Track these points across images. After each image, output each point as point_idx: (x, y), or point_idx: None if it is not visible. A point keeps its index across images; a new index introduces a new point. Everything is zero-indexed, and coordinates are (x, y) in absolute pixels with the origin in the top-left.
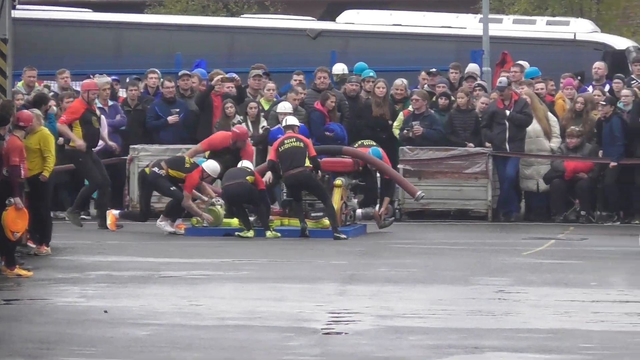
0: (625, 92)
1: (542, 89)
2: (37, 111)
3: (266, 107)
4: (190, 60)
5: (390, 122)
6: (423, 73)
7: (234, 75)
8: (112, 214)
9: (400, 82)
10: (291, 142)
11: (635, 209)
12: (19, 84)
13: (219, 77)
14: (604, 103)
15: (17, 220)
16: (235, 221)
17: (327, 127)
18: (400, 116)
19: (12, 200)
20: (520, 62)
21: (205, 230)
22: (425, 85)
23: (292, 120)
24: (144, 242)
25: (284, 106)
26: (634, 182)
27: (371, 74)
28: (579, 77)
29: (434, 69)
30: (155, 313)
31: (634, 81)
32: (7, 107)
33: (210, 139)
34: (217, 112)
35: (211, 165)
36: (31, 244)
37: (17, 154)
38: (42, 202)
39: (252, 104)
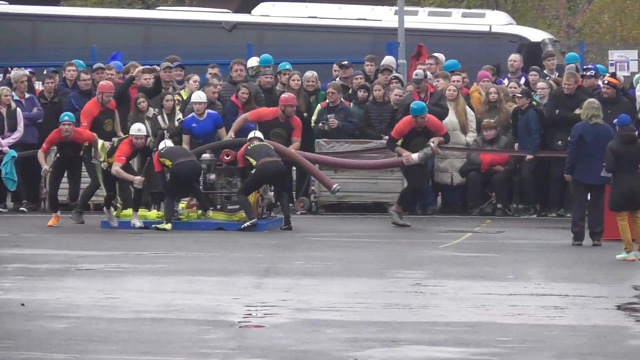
0: (541, 84)
1: (458, 81)
2: None
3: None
4: (107, 53)
5: (305, 114)
6: (335, 65)
7: (155, 66)
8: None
9: (311, 74)
10: (259, 142)
11: (552, 202)
12: None
13: (140, 68)
14: (520, 95)
15: None
16: (152, 214)
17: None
18: (319, 107)
19: None
20: (436, 54)
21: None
22: (338, 78)
23: (258, 134)
24: (60, 235)
25: (199, 95)
26: (550, 175)
27: (287, 66)
28: (494, 70)
29: (345, 62)
30: (73, 306)
31: (547, 77)
32: None
33: (258, 110)
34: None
35: (135, 126)
36: None
37: None
38: None
39: (168, 97)
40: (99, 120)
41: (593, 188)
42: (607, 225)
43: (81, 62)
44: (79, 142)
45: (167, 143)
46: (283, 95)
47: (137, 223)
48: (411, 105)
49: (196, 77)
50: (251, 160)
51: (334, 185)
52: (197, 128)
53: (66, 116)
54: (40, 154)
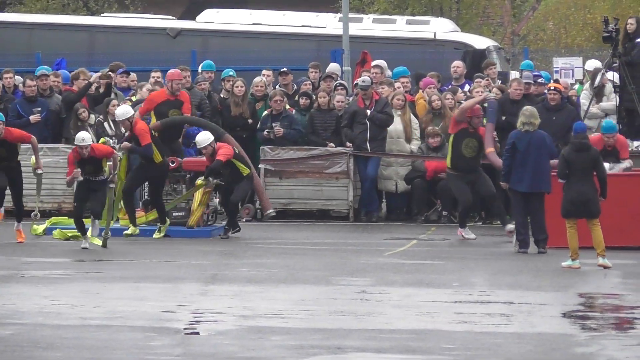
0: (489, 89)
1: (405, 85)
2: None
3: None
4: (51, 59)
5: (250, 120)
6: (270, 73)
7: (109, 72)
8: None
9: (259, 79)
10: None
11: (496, 210)
12: None
13: (98, 73)
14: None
15: None
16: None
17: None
18: (265, 114)
19: None
20: (378, 61)
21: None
22: (278, 85)
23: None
24: (5, 241)
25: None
26: (495, 183)
27: (231, 73)
28: (439, 77)
29: (284, 69)
30: (18, 313)
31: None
32: None
33: (147, 98)
34: None
35: (79, 136)
36: None
37: None
38: None
39: (113, 102)
40: (162, 109)
41: (531, 196)
42: (554, 232)
43: (48, 67)
44: (8, 140)
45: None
46: (169, 72)
47: (87, 245)
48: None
49: (148, 86)
50: (242, 167)
51: (269, 210)
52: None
53: None
54: None
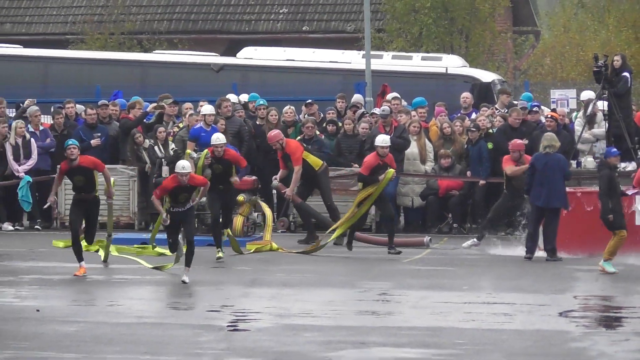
0: (494, 117)
1: (422, 115)
2: None
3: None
4: (109, 91)
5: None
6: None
7: (162, 103)
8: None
9: (289, 107)
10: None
11: (500, 223)
12: None
13: (153, 104)
14: (473, 129)
15: None
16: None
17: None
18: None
19: None
20: (394, 94)
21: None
22: (305, 115)
23: None
24: (71, 250)
25: (210, 108)
26: (499, 198)
27: (261, 102)
28: (446, 105)
29: (309, 100)
30: (81, 312)
31: (498, 110)
32: None
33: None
34: None
35: (180, 164)
36: None
37: None
38: None
39: (161, 129)
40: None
41: (546, 210)
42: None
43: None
44: (88, 167)
45: (164, 170)
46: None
47: (186, 279)
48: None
49: (191, 111)
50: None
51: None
52: (205, 137)
53: (70, 141)
54: (55, 181)
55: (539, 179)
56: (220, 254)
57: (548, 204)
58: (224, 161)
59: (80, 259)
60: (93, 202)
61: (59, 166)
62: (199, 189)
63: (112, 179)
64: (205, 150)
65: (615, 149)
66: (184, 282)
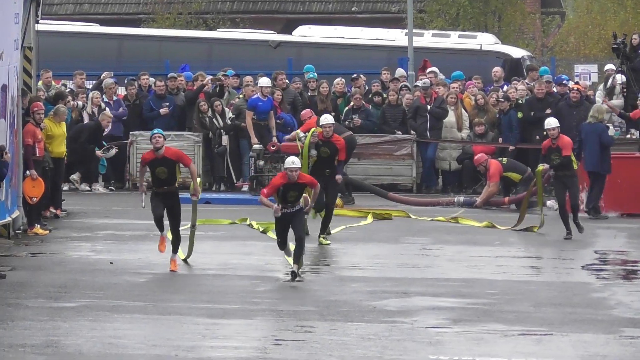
0: (521, 87)
1: (458, 87)
2: (63, 107)
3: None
4: (177, 65)
5: (332, 114)
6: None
7: (221, 76)
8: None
9: (340, 79)
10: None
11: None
12: (39, 83)
13: (209, 78)
14: (502, 100)
15: (34, 189)
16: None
17: (279, 115)
18: (346, 109)
19: (28, 172)
20: (434, 68)
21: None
22: (353, 87)
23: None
24: (141, 209)
25: (267, 81)
26: (527, 162)
27: (311, 75)
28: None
29: (355, 75)
30: (151, 264)
31: (528, 84)
32: (32, 100)
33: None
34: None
35: (289, 159)
36: (53, 210)
37: (30, 136)
38: (58, 177)
39: (217, 102)
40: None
41: (590, 173)
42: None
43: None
44: (172, 159)
45: (223, 139)
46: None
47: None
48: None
49: (250, 83)
50: None
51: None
52: (262, 106)
53: (156, 130)
54: (140, 171)
55: (584, 146)
56: (327, 241)
57: (590, 168)
58: (331, 145)
59: (161, 228)
60: (174, 195)
61: (142, 157)
62: (309, 189)
63: (199, 178)
64: (313, 129)
65: None
66: (294, 274)
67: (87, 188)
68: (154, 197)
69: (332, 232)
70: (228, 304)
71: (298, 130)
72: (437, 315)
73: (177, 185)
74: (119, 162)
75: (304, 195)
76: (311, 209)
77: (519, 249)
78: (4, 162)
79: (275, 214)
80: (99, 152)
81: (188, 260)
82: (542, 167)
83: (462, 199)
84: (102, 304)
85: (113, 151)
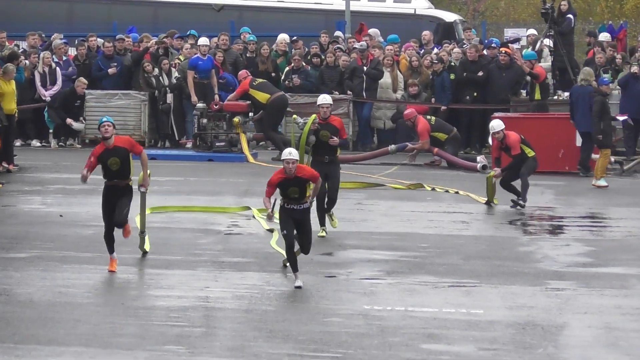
0: (456, 50)
1: (392, 50)
2: (11, 66)
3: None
4: (124, 27)
5: (273, 74)
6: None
7: (166, 38)
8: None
9: (282, 37)
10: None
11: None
12: None
13: (153, 40)
14: (436, 62)
15: None
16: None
17: (221, 75)
18: (287, 69)
19: None
20: (372, 30)
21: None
22: (293, 49)
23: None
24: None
25: (205, 40)
26: (459, 121)
27: (251, 37)
28: (417, 42)
29: (294, 37)
30: (98, 217)
31: (465, 45)
32: None
33: None
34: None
35: (286, 151)
36: (5, 165)
37: None
38: (10, 133)
39: (165, 60)
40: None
41: (582, 133)
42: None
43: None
44: (125, 147)
45: (168, 97)
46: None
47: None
48: None
49: (188, 45)
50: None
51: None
52: (202, 65)
53: (105, 118)
54: (83, 170)
55: (576, 107)
56: (323, 234)
57: (583, 128)
58: (330, 126)
59: (111, 250)
60: (125, 190)
61: (91, 150)
62: (310, 184)
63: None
64: (314, 116)
65: (606, 79)
66: (298, 287)
67: (38, 144)
68: (105, 193)
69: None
70: (172, 255)
71: (295, 116)
72: (371, 268)
73: (130, 179)
74: (66, 117)
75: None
76: (333, 218)
77: (449, 204)
78: None
79: (267, 219)
80: (70, 121)
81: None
82: (493, 172)
83: (394, 146)
84: (52, 254)
85: (82, 124)
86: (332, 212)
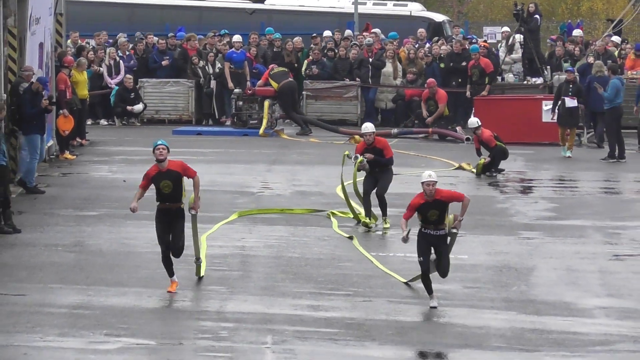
0: (444, 47)
1: (393, 43)
2: (84, 59)
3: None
4: (174, 27)
5: (296, 65)
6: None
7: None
8: None
9: (298, 38)
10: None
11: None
12: (68, 41)
13: (191, 35)
14: (428, 55)
15: (65, 124)
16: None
17: (255, 66)
18: (306, 62)
19: (62, 111)
20: (375, 30)
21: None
22: (312, 45)
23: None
24: (149, 138)
25: (238, 37)
26: (447, 102)
27: (277, 35)
28: (415, 39)
29: (314, 34)
30: None
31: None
32: (62, 55)
33: None
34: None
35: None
36: (79, 140)
37: (62, 83)
38: (83, 114)
39: (210, 54)
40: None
41: (595, 113)
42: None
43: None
44: (177, 170)
45: (212, 83)
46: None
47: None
48: None
49: (225, 41)
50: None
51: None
52: (236, 57)
53: (159, 141)
54: (138, 190)
55: (592, 92)
56: (387, 224)
57: (597, 109)
58: (376, 149)
59: (170, 273)
60: (178, 213)
61: (145, 174)
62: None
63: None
64: (361, 158)
65: (571, 68)
66: (434, 307)
67: (105, 123)
68: (157, 216)
69: None
70: (215, 212)
71: (347, 152)
72: (376, 222)
73: (182, 202)
74: (127, 102)
75: (451, 219)
76: (386, 221)
77: (439, 169)
78: (50, 109)
79: (402, 241)
80: (129, 107)
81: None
82: (482, 160)
83: (396, 130)
84: (117, 212)
85: (141, 107)
86: (386, 217)
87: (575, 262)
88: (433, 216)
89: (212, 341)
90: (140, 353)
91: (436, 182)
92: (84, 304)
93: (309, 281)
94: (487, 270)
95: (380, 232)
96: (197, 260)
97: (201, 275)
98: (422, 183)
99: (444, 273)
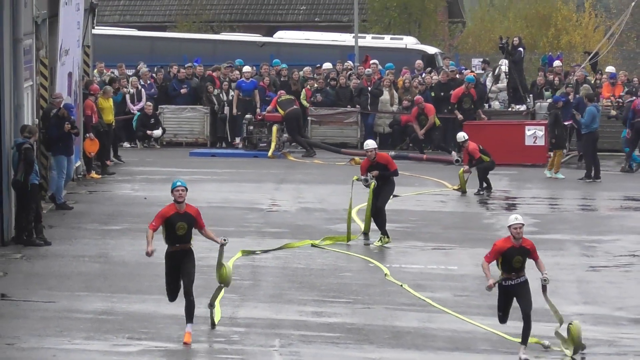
0: (435, 77)
1: (390, 74)
2: (109, 87)
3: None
4: (192, 58)
5: (301, 94)
6: (310, 68)
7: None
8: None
9: (308, 68)
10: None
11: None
12: (95, 71)
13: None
14: (422, 84)
15: (91, 146)
16: None
17: (267, 94)
18: (304, 92)
19: (88, 135)
20: (374, 61)
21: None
22: (315, 74)
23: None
24: (167, 159)
25: (248, 68)
26: (437, 128)
27: (283, 65)
28: (409, 70)
29: (318, 65)
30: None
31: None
32: (89, 83)
33: None
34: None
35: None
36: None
37: (88, 109)
38: (108, 138)
39: (225, 83)
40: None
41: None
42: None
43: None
44: (193, 215)
45: (225, 109)
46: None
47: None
48: None
49: (237, 72)
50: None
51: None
52: (245, 86)
53: (179, 182)
54: (148, 232)
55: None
56: (387, 239)
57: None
58: (379, 165)
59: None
60: (188, 253)
61: (161, 212)
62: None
63: None
64: (373, 184)
65: (558, 97)
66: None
67: (128, 145)
68: (167, 260)
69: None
70: (227, 227)
71: (355, 177)
72: (375, 235)
73: (191, 243)
74: (148, 127)
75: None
76: (384, 238)
77: (431, 189)
78: (76, 132)
79: (487, 289)
80: (149, 132)
81: (194, 193)
82: (462, 169)
83: (393, 152)
84: (138, 227)
85: (160, 131)
86: (384, 234)
87: (555, 273)
88: (517, 263)
89: (225, 344)
90: (160, 355)
91: (523, 225)
92: (108, 310)
93: (313, 290)
94: (474, 280)
95: (375, 248)
96: (211, 306)
97: (215, 322)
98: (509, 227)
99: (526, 315)
